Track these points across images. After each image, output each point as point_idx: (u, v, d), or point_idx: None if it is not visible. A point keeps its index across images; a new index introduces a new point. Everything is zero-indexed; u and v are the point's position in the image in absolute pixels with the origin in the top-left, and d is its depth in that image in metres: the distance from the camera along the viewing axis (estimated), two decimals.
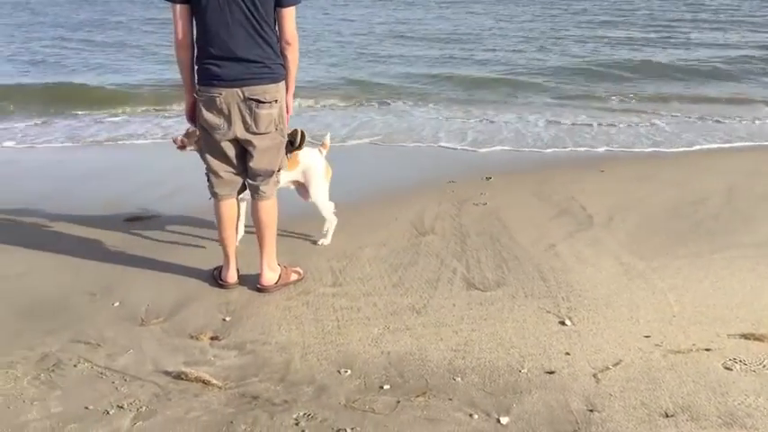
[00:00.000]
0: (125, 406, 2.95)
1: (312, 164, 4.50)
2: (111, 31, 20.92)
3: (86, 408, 2.94)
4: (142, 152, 7.98)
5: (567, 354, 3.35)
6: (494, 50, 16.01)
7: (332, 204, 4.71)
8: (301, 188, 4.61)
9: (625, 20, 21.86)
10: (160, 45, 17.10)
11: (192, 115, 3.89)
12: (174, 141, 4.30)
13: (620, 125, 9.11)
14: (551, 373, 3.19)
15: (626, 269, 4.34)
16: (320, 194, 4.60)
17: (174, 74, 7.83)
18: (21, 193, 6.15)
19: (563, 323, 3.64)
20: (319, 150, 4.61)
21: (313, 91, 10.97)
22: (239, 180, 3.95)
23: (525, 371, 3.21)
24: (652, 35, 17.96)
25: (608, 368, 3.22)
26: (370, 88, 11.54)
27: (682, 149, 7.70)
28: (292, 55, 3.79)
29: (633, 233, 4.96)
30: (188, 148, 4.25)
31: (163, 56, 15.22)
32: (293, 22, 3.72)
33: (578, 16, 23.32)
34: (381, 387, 3.09)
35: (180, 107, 9.48)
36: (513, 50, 16.00)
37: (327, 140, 4.70)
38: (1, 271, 4.41)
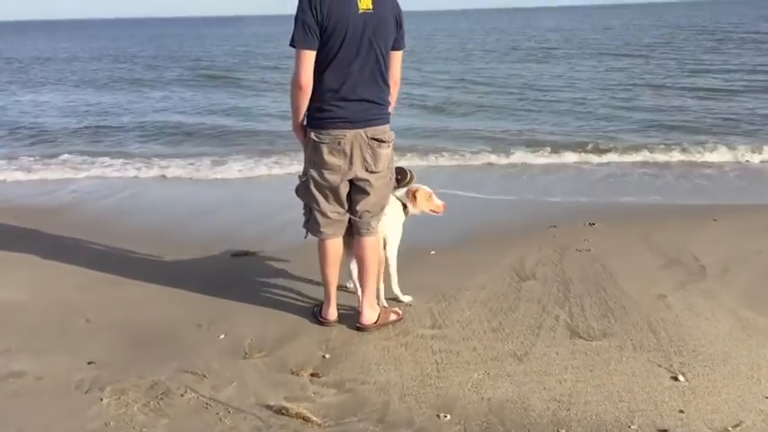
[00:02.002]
0: None
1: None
2: None
3: None
4: (250, 188, 8.33)
5: (681, 412, 3.15)
6: (587, 101, 15.69)
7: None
8: None
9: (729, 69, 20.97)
10: None
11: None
12: None
13: (733, 174, 8.70)
14: (664, 431, 3.01)
15: (744, 325, 4.07)
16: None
17: None
18: (139, 226, 6.53)
19: (676, 378, 3.44)
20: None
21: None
22: (345, 220, 4.01)
23: (635, 427, 3.04)
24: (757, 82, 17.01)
25: (727, 430, 3.01)
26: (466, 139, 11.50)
27: None
28: (396, 94, 3.99)
29: (751, 287, 4.66)
30: None
31: None
32: (400, 63, 3.93)
33: (672, 64, 22.64)
34: None
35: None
36: (611, 98, 15.68)
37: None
38: (119, 300, 4.65)
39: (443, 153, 10.18)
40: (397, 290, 4.47)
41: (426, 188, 4.47)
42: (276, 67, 26.19)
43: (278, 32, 56.18)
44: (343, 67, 3.68)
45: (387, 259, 4.37)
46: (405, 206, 4.39)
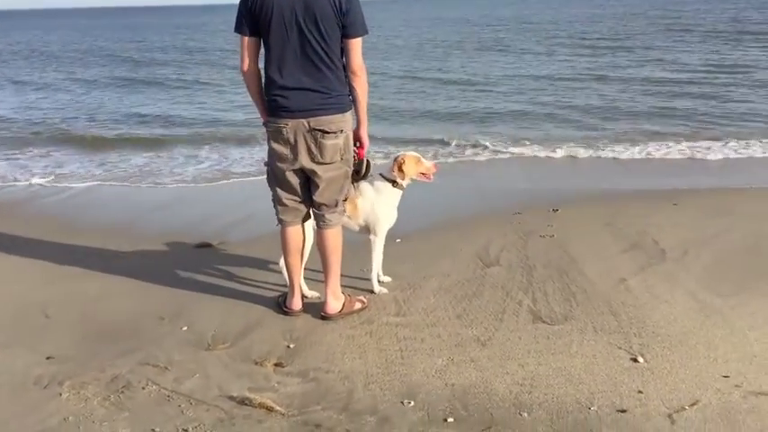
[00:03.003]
0: (190, 430, 2.99)
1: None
2: None
3: (153, 430, 2.99)
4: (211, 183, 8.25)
5: (640, 392, 3.21)
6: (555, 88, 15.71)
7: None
8: None
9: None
10: None
11: None
12: None
13: (693, 159, 8.92)
14: (623, 411, 3.06)
15: (702, 306, 4.15)
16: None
17: None
18: (100, 222, 6.43)
19: (635, 360, 3.50)
20: None
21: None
22: (303, 208, 3.99)
23: (595, 408, 3.09)
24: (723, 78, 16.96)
25: (684, 408, 3.07)
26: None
27: (761, 184, 7.36)
28: (360, 86, 3.80)
29: (709, 269, 4.75)
30: None
31: None
32: (360, 52, 3.74)
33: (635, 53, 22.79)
34: (445, 420, 3.03)
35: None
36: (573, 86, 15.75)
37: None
38: (79, 294, 4.57)
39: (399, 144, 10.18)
40: (374, 279, 4.45)
41: (412, 153, 4.40)
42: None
43: None
44: (277, 54, 3.67)
45: (373, 245, 4.35)
46: (395, 183, 4.28)
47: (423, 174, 4.35)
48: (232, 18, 3.78)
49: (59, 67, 25.25)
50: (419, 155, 4.40)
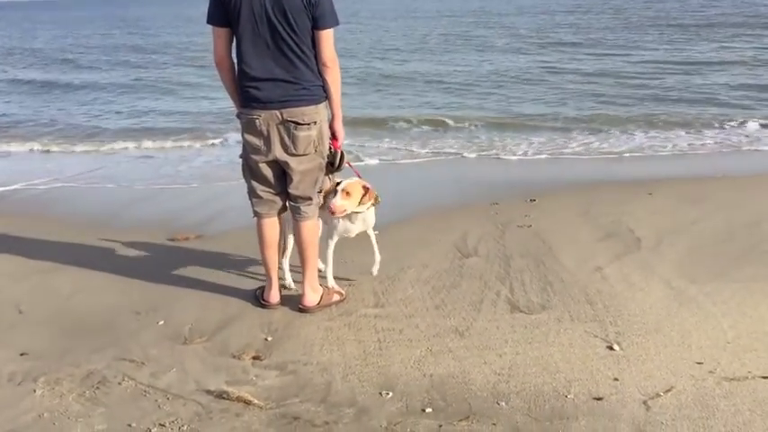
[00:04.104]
0: (167, 424, 2.97)
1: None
2: None
3: (129, 425, 2.97)
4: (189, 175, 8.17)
5: (616, 379, 3.24)
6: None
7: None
8: None
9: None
10: None
11: None
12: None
13: (667, 148, 9.01)
14: (599, 399, 3.09)
15: (676, 293, 4.20)
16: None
17: None
18: (74, 215, 6.34)
19: (611, 348, 3.53)
20: None
21: None
22: (279, 200, 3.97)
23: (572, 396, 3.11)
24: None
25: (659, 395, 3.11)
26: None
27: (733, 172, 7.45)
28: (332, 78, 3.76)
29: (684, 256, 4.81)
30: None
31: None
32: (331, 44, 3.71)
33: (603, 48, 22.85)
34: (423, 410, 3.04)
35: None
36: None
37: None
38: (53, 290, 4.52)
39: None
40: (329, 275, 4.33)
41: (342, 185, 4.02)
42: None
43: None
44: (248, 45, 3.63)
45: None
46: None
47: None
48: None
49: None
50: (341, 189, 4.00)
